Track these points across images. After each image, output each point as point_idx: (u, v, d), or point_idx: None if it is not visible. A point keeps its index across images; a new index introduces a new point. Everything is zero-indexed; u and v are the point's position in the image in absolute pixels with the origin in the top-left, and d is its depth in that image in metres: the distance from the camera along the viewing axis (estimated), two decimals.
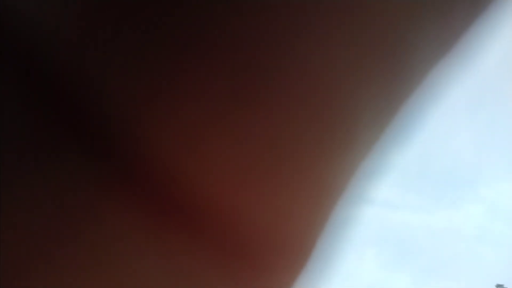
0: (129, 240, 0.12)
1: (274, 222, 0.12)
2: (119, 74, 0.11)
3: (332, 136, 0.12)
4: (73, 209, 0.11)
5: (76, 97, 0.11)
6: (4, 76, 0.12)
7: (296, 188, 0.12)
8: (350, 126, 0.12)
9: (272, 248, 0.12)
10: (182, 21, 0.11)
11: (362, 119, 0.12)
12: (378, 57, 0.12)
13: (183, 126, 0.11)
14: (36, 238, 0.11)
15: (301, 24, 0.11)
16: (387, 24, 0.12)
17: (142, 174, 0.12)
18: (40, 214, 0.11)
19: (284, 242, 0.12)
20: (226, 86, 0.11)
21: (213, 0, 0.11)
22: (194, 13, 0.11)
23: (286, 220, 0.12)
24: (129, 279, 0.12)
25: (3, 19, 0.11)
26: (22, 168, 0.11)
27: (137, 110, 0.11)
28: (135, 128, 0.11)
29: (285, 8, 0.11)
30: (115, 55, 0.11)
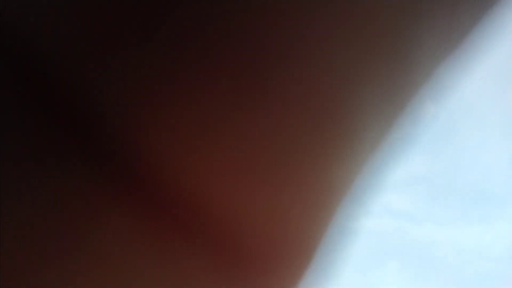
0: (129, 244, 0.12)
1: (275, 225, 0.12)
2: (119, 76, 0.11)
3: (334, 136, 0.12)
4: (73, 212, 0.11)
5: (75, 100, 0.11)
6: (4, 77, 0.11)
7: (297, 190, 0.12)
8: (352, 127, 0.12)
9: (273, 250, 0.12)
10: (181, 23, 0.11)
11: (365, 119, 0.12)
12: (381, 55, 0.12)
13: (183, 128, 0.11)
14: (37, 241, 0.11)
15: (301, 24, 0.11)
16: (392, 21, 0.12)
17: (142, 177, 0.11)
18: (40, 217, 0.11)
19: (285, 244, 0.12)
20: (226, 88, 0.11)
21: (212, 1, 0.11)
22: (194, 15, 0.11)
23: (287, 222, 0.12)
24: (129, 283, 0.12)
25: (2, 19, 0.11)
26: (22, 172, 0.11)
27: (137, 113, 0.11)
28: (135, 131, 0.11)
29: (285, 8, 0.11)
30: (115, 58, 0.11)
